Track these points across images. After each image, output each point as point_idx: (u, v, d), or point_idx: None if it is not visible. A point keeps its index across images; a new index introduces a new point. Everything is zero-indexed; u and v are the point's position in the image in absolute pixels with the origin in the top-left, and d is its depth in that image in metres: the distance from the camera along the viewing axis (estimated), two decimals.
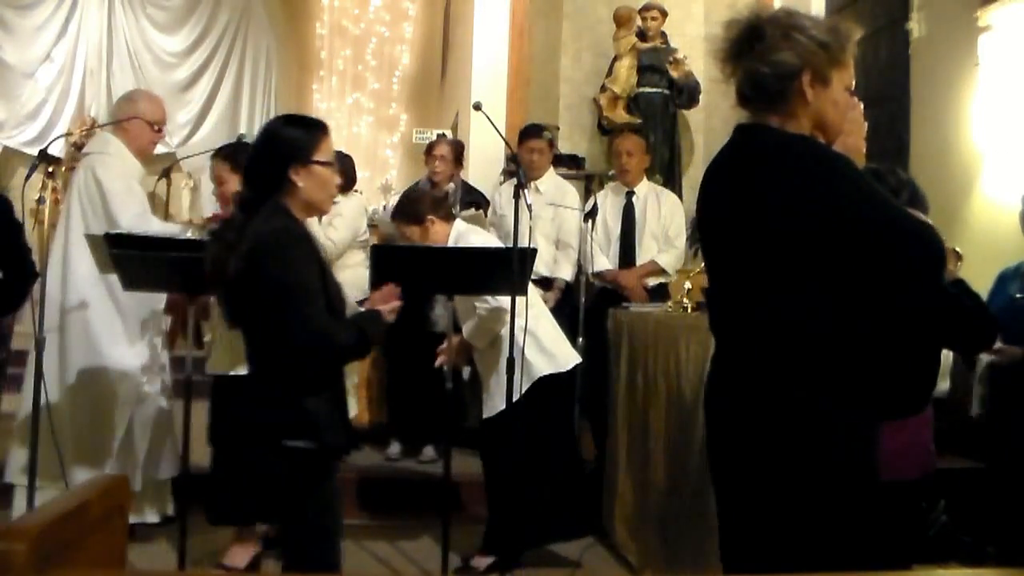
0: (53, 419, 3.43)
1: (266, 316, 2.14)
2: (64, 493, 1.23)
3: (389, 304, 2.32)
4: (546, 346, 3.57)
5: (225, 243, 2.20)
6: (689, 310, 3.69)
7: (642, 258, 4.80)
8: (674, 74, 6.27)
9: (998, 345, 3.14)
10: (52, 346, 3.55)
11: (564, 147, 6.29)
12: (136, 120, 3.83)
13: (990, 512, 3.30)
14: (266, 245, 2.13)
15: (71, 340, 3.65)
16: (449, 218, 3.66)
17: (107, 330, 3.69)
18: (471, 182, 5.45)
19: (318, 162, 2.24)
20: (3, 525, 1.06)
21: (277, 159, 2.22)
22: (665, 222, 4.84)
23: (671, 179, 6.17)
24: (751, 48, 1.80)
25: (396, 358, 4.84)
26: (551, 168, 4.90)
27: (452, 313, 3.51)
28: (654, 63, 6.36)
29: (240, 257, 2.14)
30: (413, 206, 3.62)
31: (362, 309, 2.37)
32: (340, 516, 2.34)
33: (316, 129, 2.28)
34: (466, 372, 5.14)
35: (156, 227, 3.68)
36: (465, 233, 3.64)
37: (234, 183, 3.30)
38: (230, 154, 3.44)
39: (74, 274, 3.64)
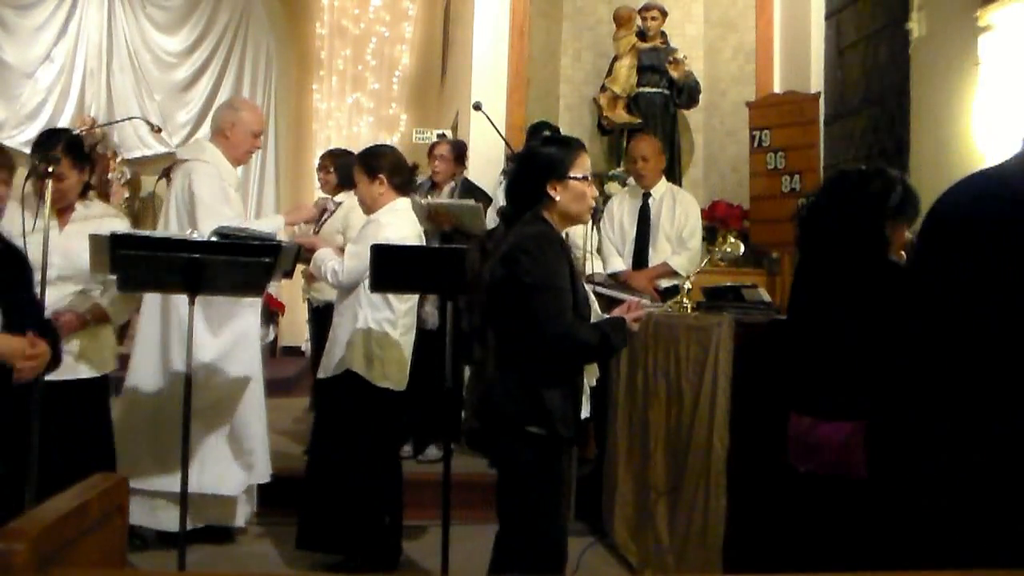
0: (170, 424, 3.50)
1: (516, 312, 2.34)
2: (64, 493, 1.22)
3: (634, 313, 2.48)
4: (374, 351, 3.54)
5: (484, 251, 2.47)
6: (689, 310, 3.69)
7: (655, 260, 4.79)
8: (674, 74, 6.28)
9: None
10: (157, 353, 3.75)
11: None
12: (239, 128, 3.88)
13: None
14: (523, 247, 2.36)
15: (177, 345, 3.71)
16: (399, 190, 3.62)
17: (215, 331, 3.79)
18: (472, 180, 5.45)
19: (574, 177, 2.45)
20: (3, 525, 1.06)
21: (536, 175, 2.47)
22: (679, 223, 4.82)
23: (671, 179, 6.16)
24: None
25: None
26: None
27: (445, 310, 3.52)
28: (654, 63, 6.37)
29: (496, 262, 2.40)
30: (374, 158, 3.63)
31: (607, 316, 2.55)
32: (562, 506, 2.50)
33: (572, 147, 2.52)
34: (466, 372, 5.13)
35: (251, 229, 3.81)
36: (390, 214, 3.56)
37: (74, 177, 3.34)
38: (70, 147, 3.36)
39: None
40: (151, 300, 3.81)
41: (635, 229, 4.84)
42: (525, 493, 2.40)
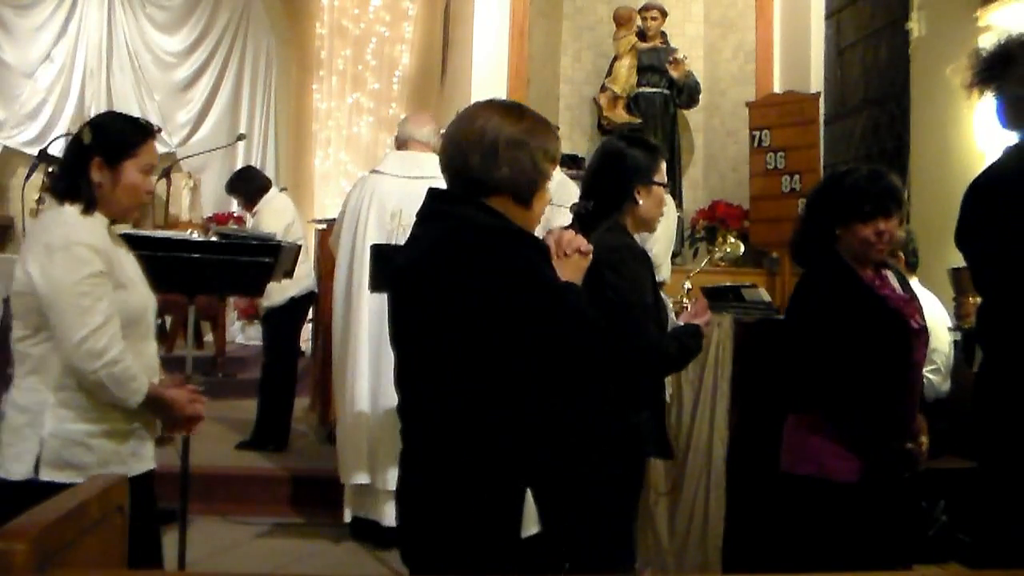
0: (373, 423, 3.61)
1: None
2: (64, 493, 1.22)
3: (703, 317, 2.36)
4: None
5: None
6: (689, 309, 3.69)
7: None
8: (674, 74, 6.28)
9: None
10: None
11: (564, 147, 6.24)
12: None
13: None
14: (609, 260, 2.21)
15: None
16: None
17: None
18: None
19: (658, 183, 2.40)
20: (3, 525, 1.06)
21: (624, 177, 2.36)
22: None
23: (671, 179, 6.16)
24: (1003, 74, 2.00)
25: None
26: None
27: None
28: (654, 63, 6.37)
29: None
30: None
31: (680, 323, 2.43)
32: (635, 519, 2.45)
33: (657, 152, 2.46)
34: None
35: None
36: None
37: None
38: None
39: None
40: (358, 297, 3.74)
41: None
42: (596, 514, 2.24)
